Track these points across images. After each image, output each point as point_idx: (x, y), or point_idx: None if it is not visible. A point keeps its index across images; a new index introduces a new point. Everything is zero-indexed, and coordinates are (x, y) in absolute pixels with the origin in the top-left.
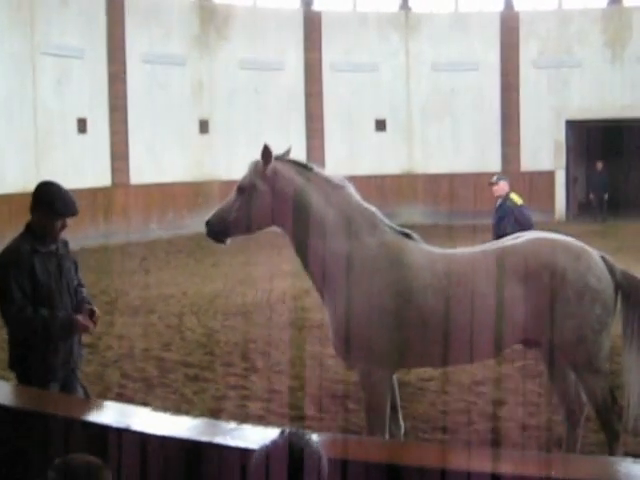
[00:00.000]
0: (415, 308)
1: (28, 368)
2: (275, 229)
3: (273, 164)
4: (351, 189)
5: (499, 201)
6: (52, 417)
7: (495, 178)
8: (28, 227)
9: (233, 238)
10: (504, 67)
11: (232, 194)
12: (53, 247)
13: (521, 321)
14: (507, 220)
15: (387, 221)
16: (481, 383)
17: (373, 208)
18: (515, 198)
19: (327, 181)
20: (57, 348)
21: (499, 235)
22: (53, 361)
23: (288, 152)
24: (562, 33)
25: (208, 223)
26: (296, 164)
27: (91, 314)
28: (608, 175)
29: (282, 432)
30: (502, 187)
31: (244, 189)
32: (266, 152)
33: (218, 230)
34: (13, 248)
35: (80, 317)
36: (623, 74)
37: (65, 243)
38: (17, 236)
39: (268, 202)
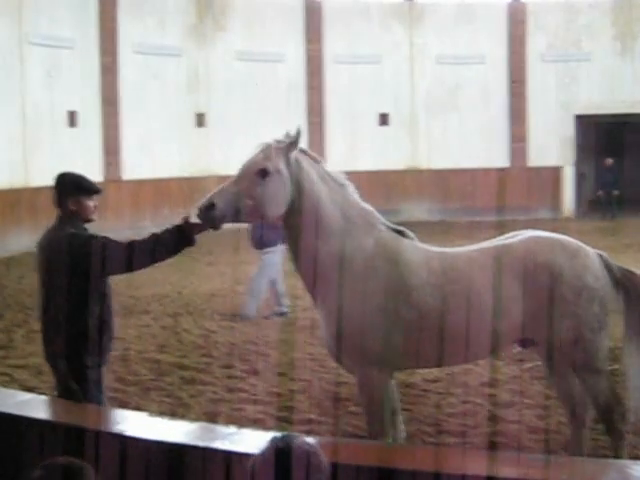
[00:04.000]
0: (412, 306)
1: (79, 356)
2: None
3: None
4: (351, 187)
5: None
6: (45, 423)
7: None
8: (62, 219)
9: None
10: (511, 60)
11: (245, 177)
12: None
13: (518, 320)
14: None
15: (383, 219)
16: (488, 385)
17: (371, 207)
18: None
19: (333, 178)
20: (109, 326)
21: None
22: (107, 343)
23: (298, 134)
24: (571, 26)
25: (211, 208)
26: (310, 155)
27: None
28: (618, 171)
29: (273, 437)
30: None
31: (268, 172)
32: (298, 136)
33: (223, 216)
34: (74, 232)
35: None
36: (633, 68)
37: None
38: (56, 226)
39: (288, 191)
